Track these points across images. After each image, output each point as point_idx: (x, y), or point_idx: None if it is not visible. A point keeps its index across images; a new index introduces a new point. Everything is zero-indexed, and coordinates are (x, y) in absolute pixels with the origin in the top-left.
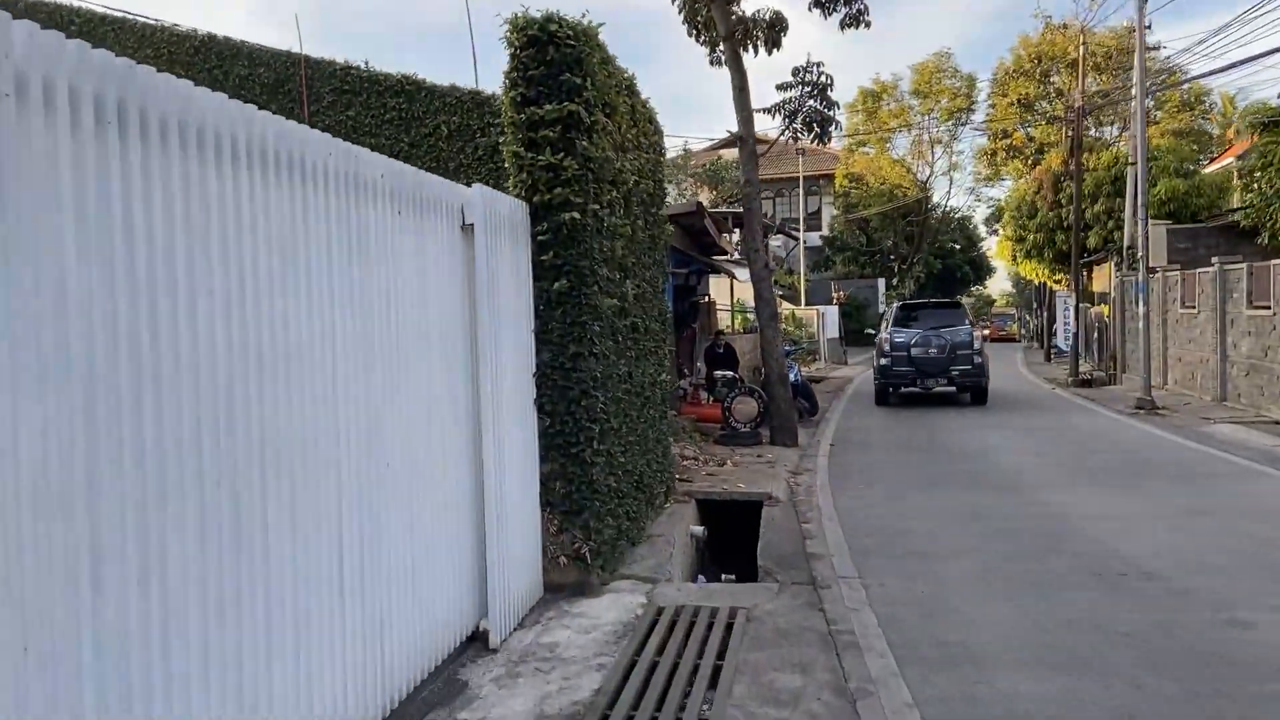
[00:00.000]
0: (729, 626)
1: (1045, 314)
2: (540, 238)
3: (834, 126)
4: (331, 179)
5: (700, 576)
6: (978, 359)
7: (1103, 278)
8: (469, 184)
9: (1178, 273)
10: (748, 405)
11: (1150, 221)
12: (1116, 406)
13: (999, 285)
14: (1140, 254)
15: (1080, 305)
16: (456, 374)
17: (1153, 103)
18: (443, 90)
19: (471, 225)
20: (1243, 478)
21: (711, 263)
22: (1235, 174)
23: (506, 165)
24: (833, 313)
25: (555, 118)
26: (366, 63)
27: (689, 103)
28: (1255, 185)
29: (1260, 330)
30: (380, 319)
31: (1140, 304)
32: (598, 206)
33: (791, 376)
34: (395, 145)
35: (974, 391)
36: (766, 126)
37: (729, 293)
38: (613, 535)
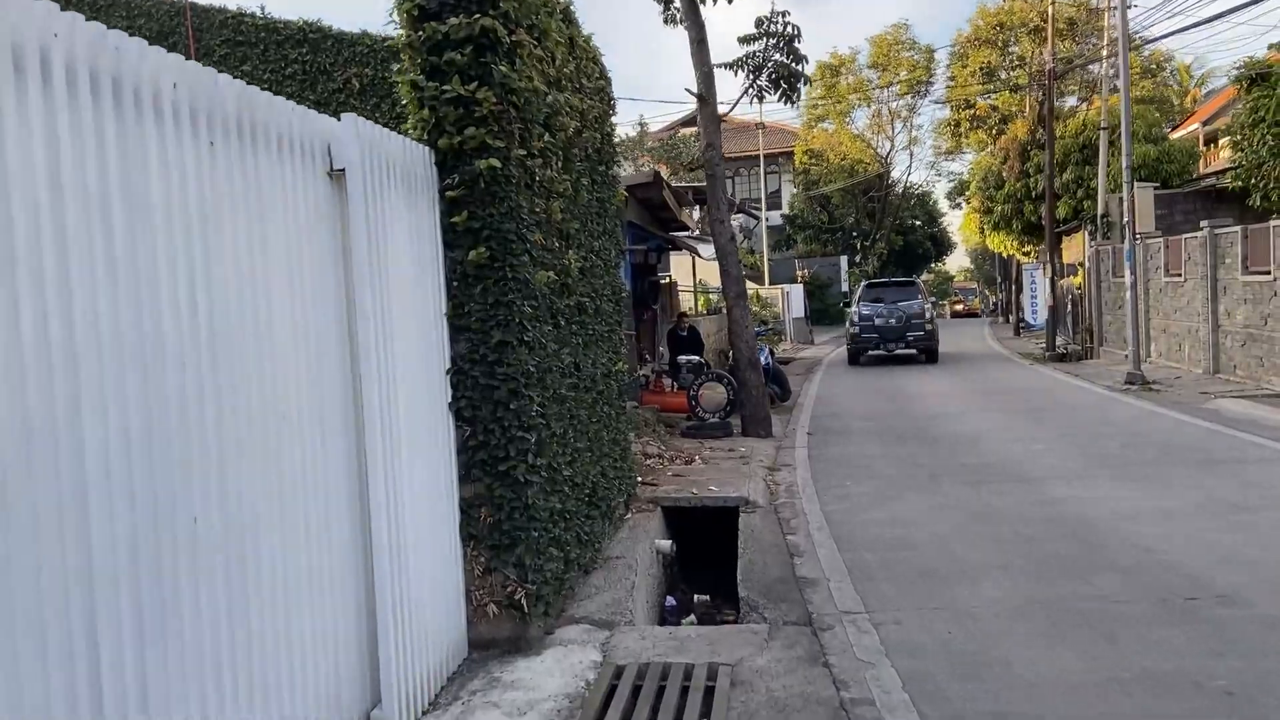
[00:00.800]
0: (709, 691)
1: (1013, 288)
2: (450, 193)
3: (803, 83)
4: (63, 78)
5: (670, 599)
6: (929, 327)
7: (1073, 248)
8: None
9: (1160, 239)
10: (715, 393)
11: (1136, 184)
12: (1104, 382)
13: (958, 261)
14: (1126, 218)
15: (1054, 277)
16: (324, 378)
17: (1113, 70)
18: (352, 39)
19: (342, 171)
20: (1276, 462)
21: (672, 239)
22: (1200, 140)
23: (403, 100)
24: (797, 291)
25: (464, 36)
26: (263, 9)
27: (647, 88)
28: (1245, 144)
29: (1258, 297)
30: (174, 302)
31: (1127, 272)
32: (525, 153)
33: (762, 360)
34: (299, 104)
35: (927, 353)
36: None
37: (691, 273)
38: (558, 569)
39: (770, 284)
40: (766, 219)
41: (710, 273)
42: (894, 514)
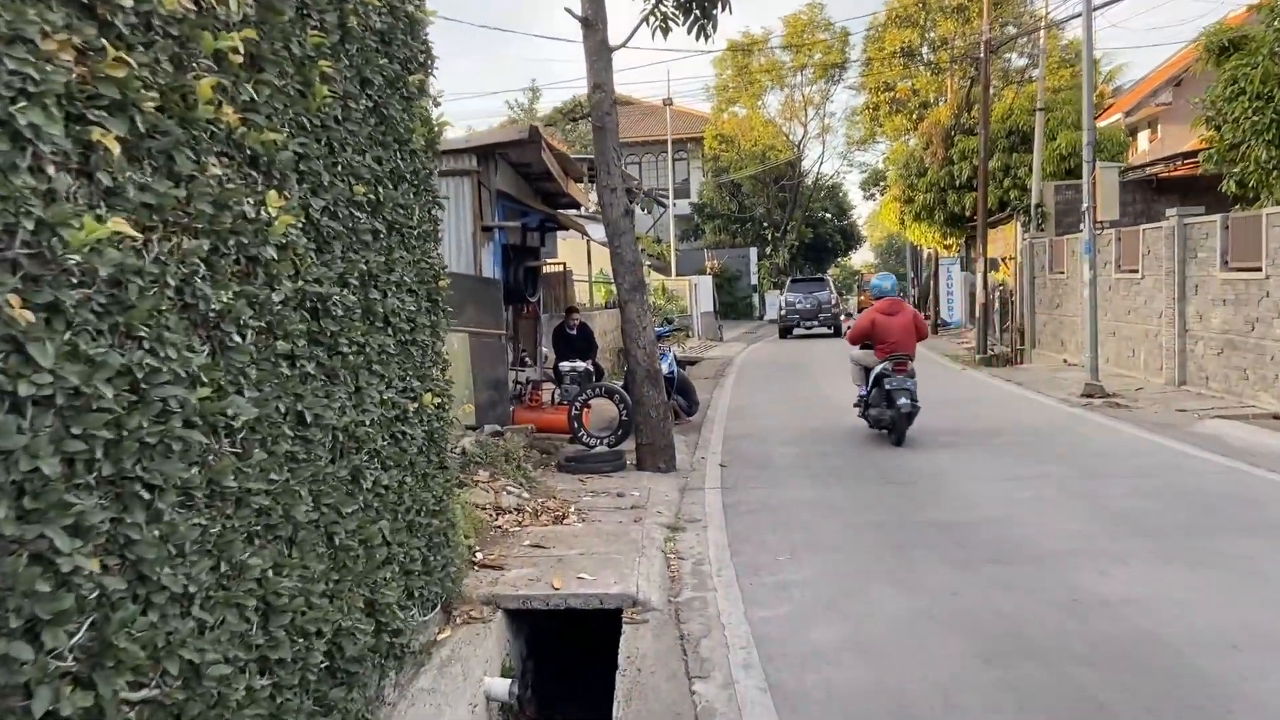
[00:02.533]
0: None
1: (932, 283)
2: None
3: (722, 8)
4: None
5: None
6: (834, 310)
7: (999, 241)
8: None
9: (1111, 230)
10: (604, 410)
11: (1100, 164)
12: (1055, 393)
13: (863, 257)
14: (1086, 204)
15: (987, 272)
16: None
17: (1028, 60)
18: None
19: None
20: None
21: (555, 215)
22: (1123, 130)
23: None
24: (706, 284)
25: None
26: None
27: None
28: (1222, 121)
29: (1242, 297)
30: None
31: (1085, 267)
32: None
33: (665, 368)
34: None
35: (834, 329)
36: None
37: (586, 258)
38: None
39: (677, 275)
40: (674, 207)
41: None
42: (859, 633)
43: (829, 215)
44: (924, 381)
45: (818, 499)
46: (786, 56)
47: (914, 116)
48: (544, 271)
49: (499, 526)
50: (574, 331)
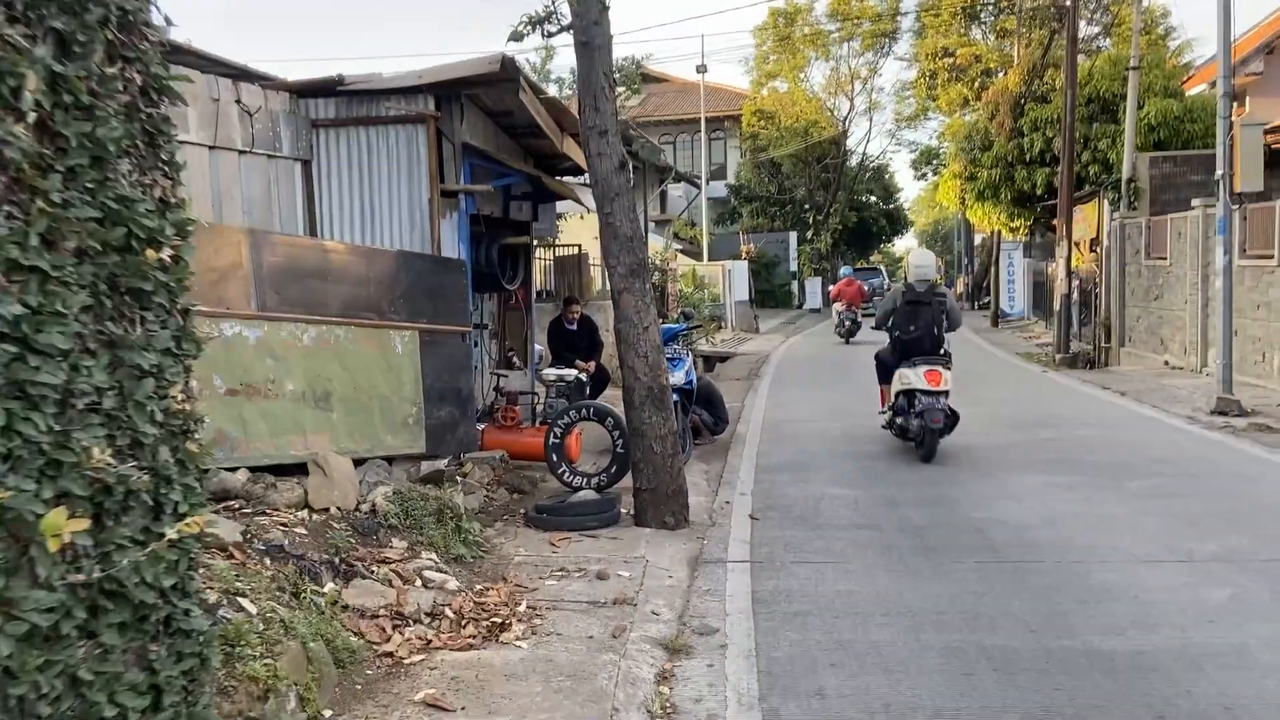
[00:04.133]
0: None
1: (992, 270)
2: None
3: None
4: None
5: None
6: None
7: (1081, 222)
8: None
9: (1236, 210)
10: (599, 435)
11: (1242, 124)
12: (1175, 408)
13: (906, 243)
14: (1221, 171)
15: (1071, 257)
16: None
17: (1100, 28)
18: None
19: None
20: None
21: (539, 177)
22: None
23: None
24: (741, 270)
25: None
26: None
27: None
28: None
29: None
30: None
31: (1219, 252)
32: None
33: (683, 377)
34: None
35: None
36: None
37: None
38: None
39: (710, 261)
40: (709, 190)
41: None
42: None
43: (874, 198)
44: (1000, 387)
45: (897, 597)
46: (833, 25)
47: (975, 85)
48: (557, 254)
49: (389, 654)
50: (573, 327)
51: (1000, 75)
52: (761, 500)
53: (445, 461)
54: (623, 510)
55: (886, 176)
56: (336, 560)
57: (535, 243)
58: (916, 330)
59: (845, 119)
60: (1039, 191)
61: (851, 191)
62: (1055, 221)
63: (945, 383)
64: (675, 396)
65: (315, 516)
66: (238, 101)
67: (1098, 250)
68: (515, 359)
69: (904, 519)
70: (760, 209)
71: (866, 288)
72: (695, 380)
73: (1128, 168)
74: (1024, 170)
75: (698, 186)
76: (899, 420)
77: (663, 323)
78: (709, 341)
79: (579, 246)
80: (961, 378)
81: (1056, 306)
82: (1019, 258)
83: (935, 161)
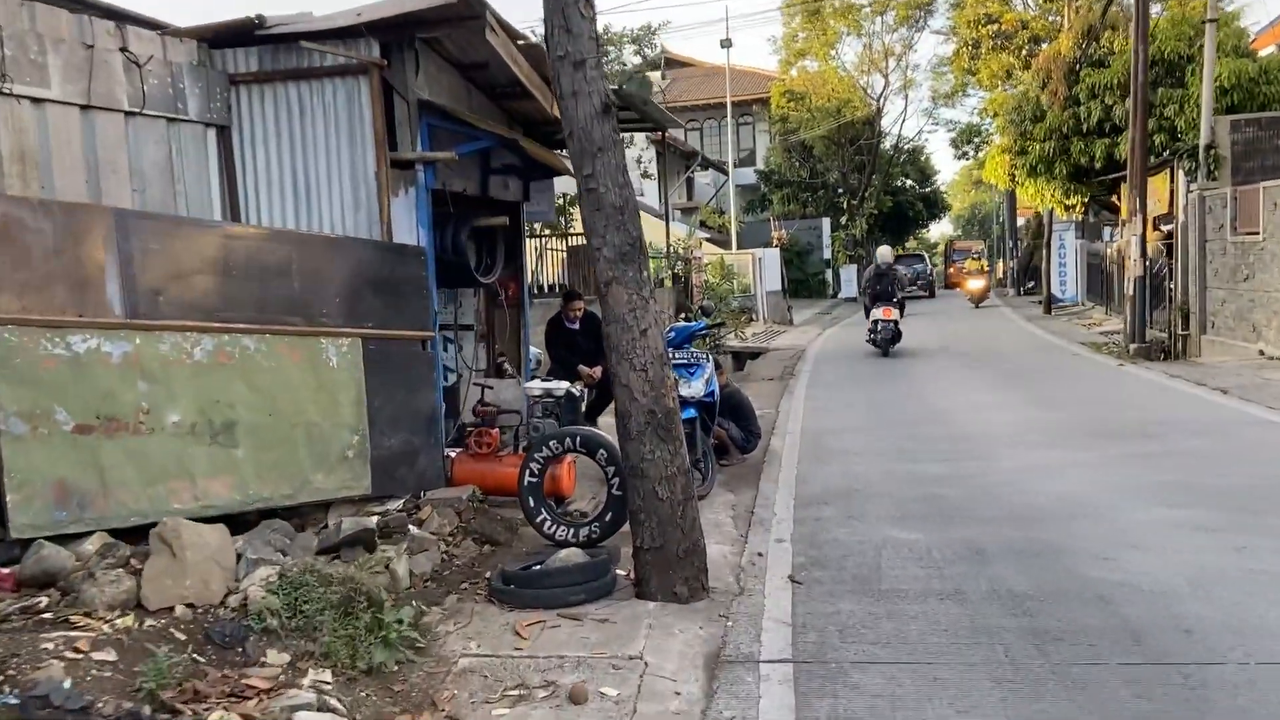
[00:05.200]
0: None
1: (1044, 252)
2: None
3: None
4: None
5: None
6: (930, 277)
7: (1150, 196)
8: None
9: None
10: (572, 478)
11: None
12: None
13: (941, 229)
14: None
15: (1145, 234)
16: None
17: None
18: None
19: None
20: None
21: (515, 141)
22: None
23: None
24: (773, 258)
25: None
26: None
27: None
28: None
29: None
30: None
31: None
32: None
33: (702, 388)
34: None
35: (929, 291)
36: None
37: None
38: None
39: (739, 250)
40: (737, 177)
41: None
42: None
43: (910, 181)
44: (1075, 386)
45: None
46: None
47: (1023, 54)
48: (570, 244)
49: None
50: (575, 326)
51: (1048, 44)
52: (804, 549)
53: (399, 504)
54: (620, 573)
55: (922, 159)
56: (145, 712)
57: (539, 229)
58: (880, 288)
59: (880, 97)
60: (1098, 164)
61: (887, 175)
62: (1114, 197)
63: (894, 314)
64: (692, 412)
65: (151, 622)
66: (123, 50)
67: (1168, 228)
68: (507, 365)
69: (996, 581)
70: (791, 195)
71: (910, 273)
72: (718, 390)
73: (1206, 133)
74: (1080, 142)
75: (725, 173)
76: (872, 336)
77: (680, 320)
78: (738, 336)
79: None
80: (1034, 376)
81: (1129, 290)
82: (1071, 238)
83: (978, 139)
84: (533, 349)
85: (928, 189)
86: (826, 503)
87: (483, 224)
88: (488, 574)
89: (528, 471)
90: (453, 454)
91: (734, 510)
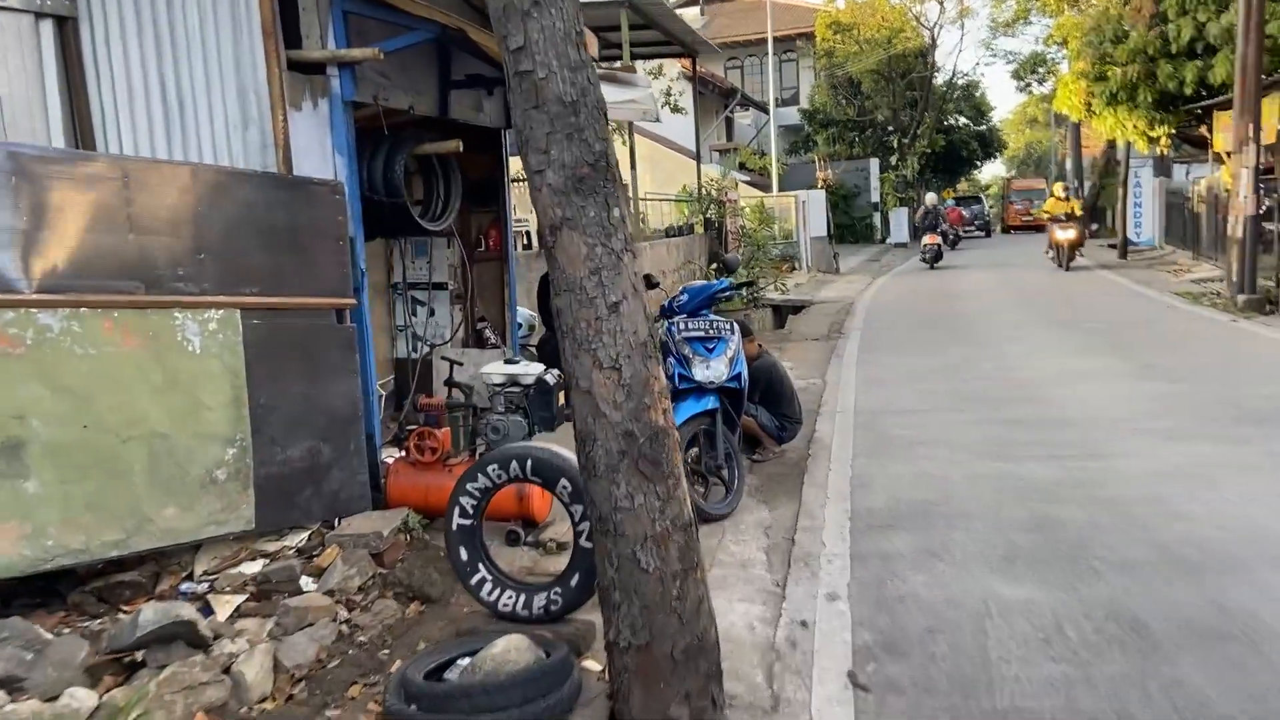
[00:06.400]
0: None
1: (1120, 191)
2: None
3: None
4: None
5: None
6: (986, 218)
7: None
8: None
9: None
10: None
11: None
12: None
13: (994, 170)
14: None
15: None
16: None
17: None
18: None
19: None
20: None
21: (462, 31)
22: None
23: None
24: (818, 201)
25: None
26: None
27: None
28: None
29: None
30: None
31: None
32: None
33: (725, 369)
34: None
35: (985, 231)
36: None
37: (632, 168)
38: None
39: (780, 193)
40: (780, 115)
41: (677, 169)
42: None
43: (964, 119)
44: (1181, 349)
45: None
46: None
47: None
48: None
49: None
50: None
51: None
52: (869, 613)
53: (302, 539)
54: (592, 667)
55: (977, 94)
56: None
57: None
58: (928, 223)
59: (934, 26)
60: (1187, 90)
61: (940, 112)
62: (1202, 128)
63: (938, 239)
64: (712, 402)
65: None
66: None
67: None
68: (489, 333)
69: (1173, 684)
70: (838, 135)
71: (967, 214)
72: (746, 371)
73: None
74: (1168, 65)
75: (766, 112)
76: (923, 254)
77: (711, 274)
78: (778, 288)
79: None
80: (1123, 334)
81: (1235, 232)
82: (1148, 176)
83: (1042, 69)
84: (523, 311)
85: (983, 127)
86: (895, 525)
87: (424, 150)
88: (396, 665)
89: (457, 509)
90: (391, 458)
91: (768, 536)
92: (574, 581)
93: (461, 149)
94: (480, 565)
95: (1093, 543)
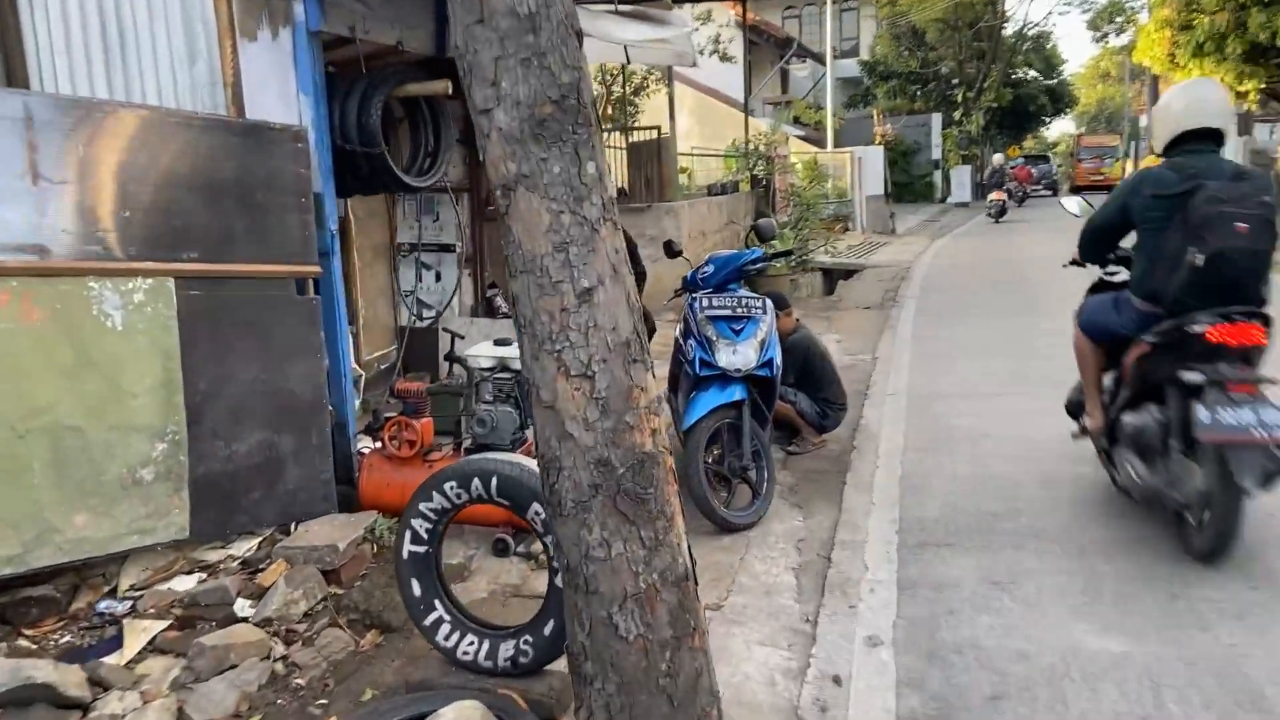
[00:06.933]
0: None
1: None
2: None
3: None
4: None
5: None
6: (1054, 178)
7: None
8: None
9: None
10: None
11: None
12: None
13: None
14: None
15: None
16: None
17: None
18: None
19: None
20: None
21: None
22: None
23: None
24: (875, 158)
25: None
26: None
27: None
28: None
29: None
30: None
31: None
32: None
33: (754, 356)
34: None
35: (1053, 189)
36: None
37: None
38: None
39: (836, 149)
40: (839, 67)
41: (728, 123)
42: None
43: (1034, 73)
44: None
45: None
46: None
47: None
48: (632, 139)
49: None
50: None
51: None
52: (918, 667)
53: (250, 547)
54: None
55: (1048, 47)
56: None
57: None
58: (994, 180)
59: None
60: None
61: (1008, 64)
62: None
63: (1003, 195)
64: (739, 392)
65: None
66: None
67: None
68: (499, 300)
69: None
70: (899, 88)
71: (1035, 172)
72: (779, 355)
73: None
74: (1261, 14)
75: (824, 63)
76: (989, 210)
77: (752, 239)
78: (829, 251)
79: (658, 129)
80: None
81: None
82: (1232, 133)
83: (1120, 18)
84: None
85: (1053, 81)
86: (952, 543)
87: (407, 92)
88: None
89: (409, 534)
90: (368, 448)
91: (799, 552)
92: (548, 629)
93: (451, 91)
94: (437, 603)
95: (1196, 577)
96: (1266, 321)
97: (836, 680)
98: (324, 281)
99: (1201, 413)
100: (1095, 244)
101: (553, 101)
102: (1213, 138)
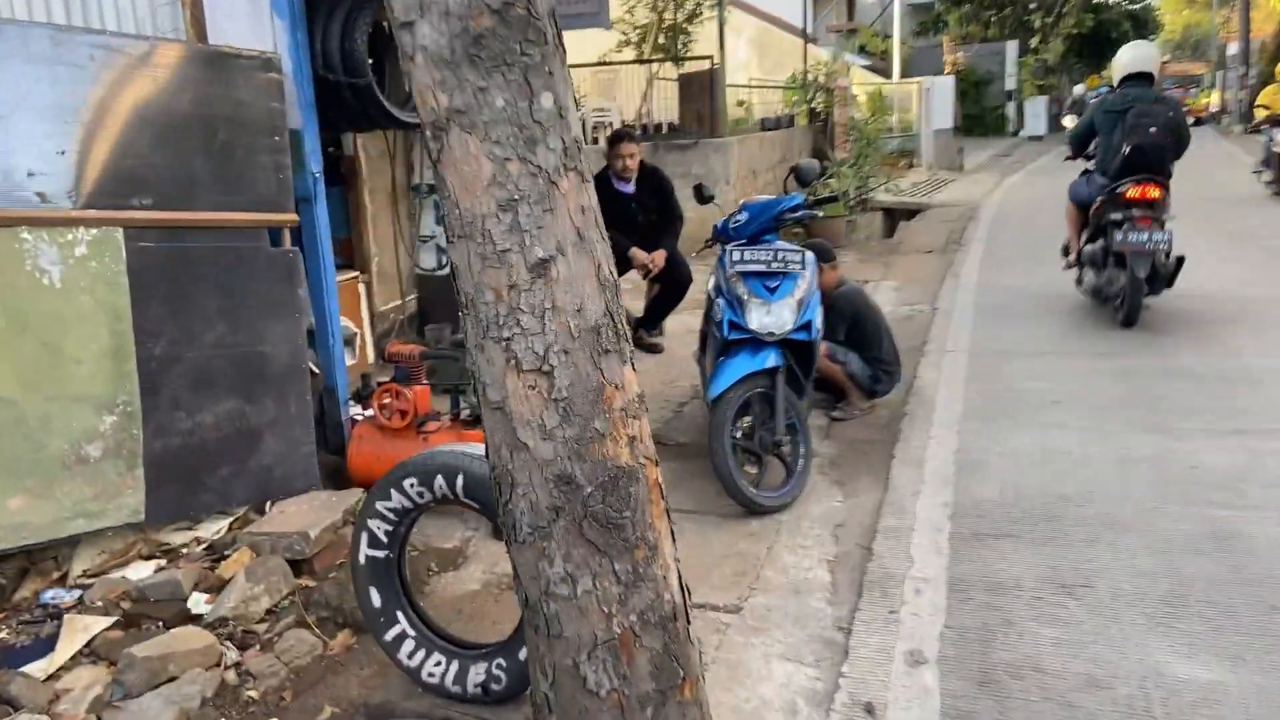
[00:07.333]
0: None
1: None
2: None
3: None
4: None
5: None
6: None
7: None
8: None
9: None
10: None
11: None
12: None
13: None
14: None
15: None
16: None
17: None
18: None
19: None
20: None
21: None
22: None
23: None
24: (943, 88)
25: None
26: None
27: None
28: None
29: None
30: None
31: None
32: None
33: (791, 318)
34: None
35: None
36: None
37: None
38: None
39: (902, 79)
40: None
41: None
42: None
43: None
44: None
45: None
46: None
47: None
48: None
49: None
50: (629, 188)
51: None
52: (966, 695)
53: (218, 530)
54: None
55: None
56: None
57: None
58: (1076, 111)
59: None
60: None
61: None
62: None
63: None
64: (773, 358)
65: None
66: None
67: None
68: None
69: None
70: (972, 14)
71: None
72: (819, 317)
73: None
74: None
75: None
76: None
77: (791, 186)
78: (889, 189)
79: (711, 59)
80: None
81: None
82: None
83: None
84: None
85: (1137, 5)
86: (1012, 533)
87: None
88: None
89: (365, 537)
90: (361, 414)
91: (836, 540)
92: (523, 653)
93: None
94: (399, 615)
95: None
96: (1163, 187)
97: (869, 710)
98: (306, 231)
99: (1118, 235)
100: (1076, 142)
101: (492, 10)
102: (1146, 79)
